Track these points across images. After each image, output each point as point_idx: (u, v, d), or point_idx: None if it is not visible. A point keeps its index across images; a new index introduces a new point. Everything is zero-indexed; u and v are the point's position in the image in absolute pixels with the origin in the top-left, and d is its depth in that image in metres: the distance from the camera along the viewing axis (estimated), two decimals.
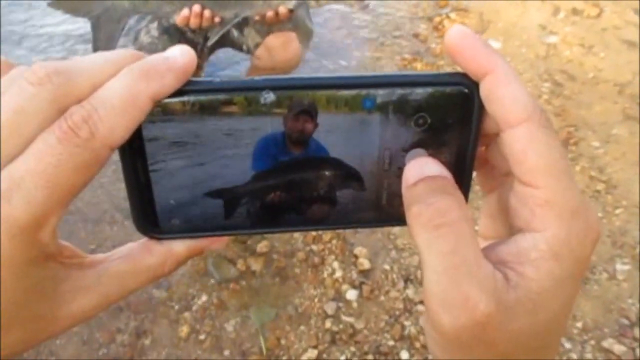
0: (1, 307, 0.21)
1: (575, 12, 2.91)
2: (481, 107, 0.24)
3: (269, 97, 0.23)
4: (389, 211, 0.26)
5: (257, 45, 1.80)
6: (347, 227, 0.28)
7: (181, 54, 0.22)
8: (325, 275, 1.60)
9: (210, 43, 1.45)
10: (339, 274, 1.60)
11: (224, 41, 1.86)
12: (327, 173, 0.25)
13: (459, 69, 0.24)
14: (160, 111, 0.23)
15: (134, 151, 0.23)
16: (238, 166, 0.25)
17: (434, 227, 0.22)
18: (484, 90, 0.23)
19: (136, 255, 0.25)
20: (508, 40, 2.73)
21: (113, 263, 0.25)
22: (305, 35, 1.42)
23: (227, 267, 1.60)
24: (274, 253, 1.65)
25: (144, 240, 0.26)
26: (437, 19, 2.91)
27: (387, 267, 1.62)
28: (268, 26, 1.70)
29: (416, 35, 2.78)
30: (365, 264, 1.62)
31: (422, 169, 0.24)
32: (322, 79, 0.24)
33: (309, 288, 1.56)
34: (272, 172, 0.25)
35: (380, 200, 0.26)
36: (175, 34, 1.76)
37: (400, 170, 0.25)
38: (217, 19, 1.36)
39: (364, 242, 1.69)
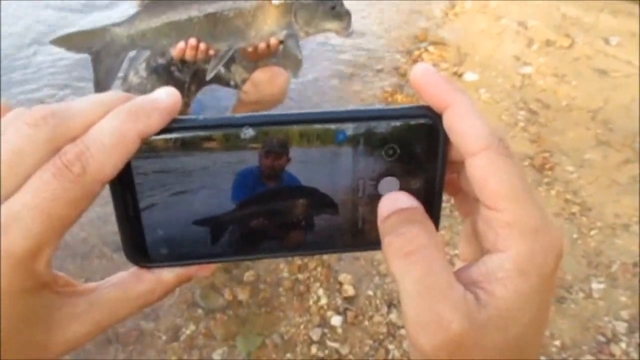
0: None
1: (548, 43, 3.03)
2: (446, 137, 0.25)
3: (249, 132, 0.25)
4: (365, 236, 0.28)
5: (244, 81, 1.87)
6: (326, 252, 0.29)
7: (167, 95, 0.24)
8: (310, 302, 1.63)
9: (208, 77, 1.50)
10: (324, 301, 1.63)
11: (211, 78, 1.93)
12: (301, 201, 0.27)
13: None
14: (147, 148, 0.24)
15: (123, 185, 0.25)
16: (220, 198, 0.26)
17: (405, 255, 0.24)
18: (446, 123, 0.25)
19: (127, 283, 0.26)
20: (485, 72, 2.83)
21: (104, 291, 0.26)
22: (295, 64, 1.49)
23: (215, 297, 1.63)
24: (261, 282, 1.69)
25: (134, 269, 0.27)
26: (416, 53, 3.01)
27: (370, 292, 1.66)
28: (255, 61, 1.78)
29: (396, 69, 2.88)
30: (349, 290, 1.65)
31: (394, 203, 0.26)
32: (296, 115, 0.25)
33: (294, 316, 1.59)
34: (250, 202, 0.26)
35: (357, 226, 0.27)
36: (163, 74, 1.83)
37: (373, 197, 0.27)
38: (211, 52, 1.42)
39: (348, 269, 1.73)
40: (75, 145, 0.22)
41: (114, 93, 0.25)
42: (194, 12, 1.36)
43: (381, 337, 1.53)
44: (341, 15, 1.41)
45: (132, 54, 1.64)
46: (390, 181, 0.26)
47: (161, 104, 0.24)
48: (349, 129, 0.25)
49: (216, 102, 2.34)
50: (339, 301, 1.63)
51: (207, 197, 0.26)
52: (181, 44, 1.38)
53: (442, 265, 0.24)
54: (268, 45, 1.43)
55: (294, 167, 0.26)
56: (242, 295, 1.64)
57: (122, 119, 0.23)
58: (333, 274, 1.71)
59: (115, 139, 0.22)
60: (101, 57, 1.37)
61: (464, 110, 0.24)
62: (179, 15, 1.36)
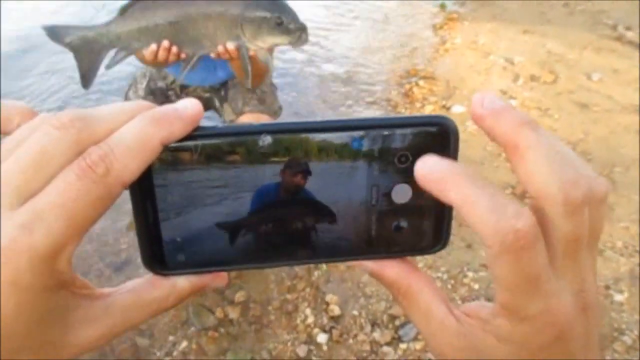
0: (16, 330, 0.22)
1: (533, 78, 3.16)
2: (457, 145, 0.26)
3: (267, 139, 0.25)
4: (378, 243, 0.28)
5: (231, 122, 1.99)
6: (338, 260, 0.29)
7: (190, 106, 0.24)
8: (298, 321, 1.71)
9: (179, 78, 1.61)
10: (310, 319, 1.71)
11: (210, 105, 2.06)
12: (305, 210, 0.27)
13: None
14: (168, 155, 0.24)
15: (143, 193, 0.25)
16: (237, 205, 0.26)
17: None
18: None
19: (141, 289, 0.26)
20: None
21: (120, 296, 0.26)
22: (246, 74, 1.58)
23: (207, 315, 1.71)
24: (251, 302, 1.77)
25: (149, 275, 0.27)
26: (407, 86, 3.14)
27: (355, 312, 1.74)
28: (252, 88, 1.91)
29: (388, 100, 3.00)
30: (335, 310, 1.74)
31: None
32: (314, 123, 0.26)
33: (282, 333, 1.68)
34: (263, 211, 0.27)
35: (370, 232, 0.28)
36: (160, 96, 1.96)
37: (386, 204, 0.27)
38: (182, 55, 1.54)
39: (335, 290, 1.81)
40: (99, 147, 0.22)
41: (138, 102, 0.25)
42: (160, 19, 1.48)
43: (364, 354, 1.61)
44: (290, 30, 1.48)
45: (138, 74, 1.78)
46: (403, 188, 0.27)
47: (184, 113, 0.24)
48: (365, 136, 0.26)
49: None
50: (325, 320, 1.71)
51: (225, 204, 0.26)
52: (153, 46, 1.49)
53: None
54: (226, 50, 1.51)
55: (313, 176, 0.26)
56: (233, 314, 1.72)
57: (146, 124, 0.23)
58: (320, 295, 1.80)
59: (139, 142, 0.23)
60: (82, 55, 1.50)
61: (465, 207, 0.23)
62: (147, 21, 1.49)
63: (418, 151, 0.26)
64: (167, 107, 0.24)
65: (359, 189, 0.26)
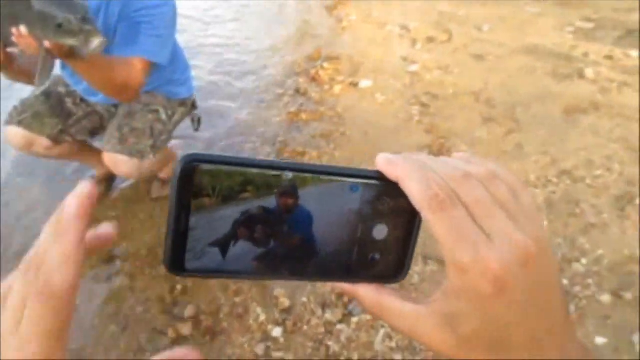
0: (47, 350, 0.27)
1: (429, 40, 3.28)
2: None
3: (289, 175, 0.30)
4: (356, 269, 0.33)
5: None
6: (324, 280, 0.34)
7: (74, 200, 0.29)
8: (250, 321, 1.73)
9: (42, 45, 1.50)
10: (263, 317, 1.73)
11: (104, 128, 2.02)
12: (304, 232, 0.32)
13: None
14: (206, 180, 0.29)
15: (182, 207, 0.29)
16: (249, 224, 0.31)
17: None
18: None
19: None
20: (378, 77, 3.04)
21: None
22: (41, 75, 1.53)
23: (159, 338, 1.70)
24: (201, 314, 1.77)
25: None
26: (313, 71, 3.19)
27: (305, 299, 1.77)
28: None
29: (297, 90, 3.03)
30: (285, 302, 1.76)
31: None
32: (328, 168, 0.31)
33: (238, 338, 1.69)
34: (264, 233, 0.31)
35: (351, 259, 0.33)
36: (53, 99, 1.94)
37: (367, 238, 0.32)
38: (47, 43, 1.46)
39: (282, 284, 1.83)
40: (37, 278, 0.28)
41: (54, 218, 0.29)
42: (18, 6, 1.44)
43: (320, 336, 1.65)
44: (74, 33, 1.44)
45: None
46: (382, 227, 0.33)
47: (70, 214, 0.28)
48: (360, 184, 0.31)
49: None
50: (277, 314, 1.74)
51: (240, 222, 0.30)
52: (14, 29, 1.44)
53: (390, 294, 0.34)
54: (22, 36, 1.47)
55: (314, 208, 0.31)
56: (186, 330, 1.71)
57: (57, 243, 0.28)
58: (268, 292, 1.82)
59: (60, 259, 0.28)
60: None
61: (404, 183, 0.30)
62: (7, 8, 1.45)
63: (398, 198, 0.31)
64: (59, 217, 0.29)
65: (349, 223, 0.32)
